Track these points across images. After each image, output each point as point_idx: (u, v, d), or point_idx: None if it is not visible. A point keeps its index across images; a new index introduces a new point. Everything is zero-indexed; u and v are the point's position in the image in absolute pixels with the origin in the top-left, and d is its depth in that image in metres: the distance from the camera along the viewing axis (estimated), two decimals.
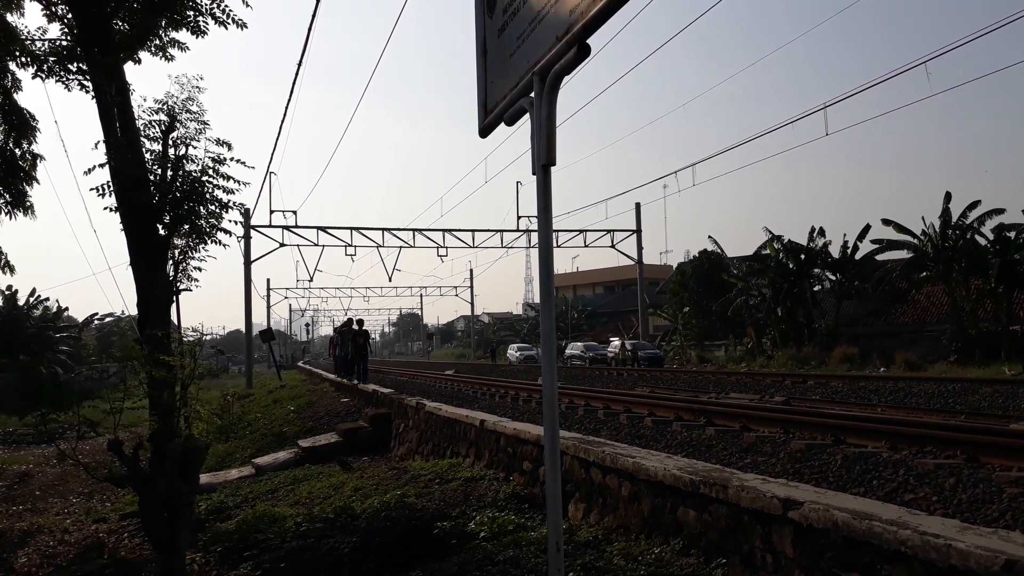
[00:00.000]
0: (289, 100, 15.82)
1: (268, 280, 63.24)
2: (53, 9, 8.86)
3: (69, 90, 9.25)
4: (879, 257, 33.11)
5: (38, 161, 11.12)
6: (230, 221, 8.55)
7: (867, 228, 32.76)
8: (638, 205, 40.66)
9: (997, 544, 2.99)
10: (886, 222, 30.66)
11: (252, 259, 37.06)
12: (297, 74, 14.94)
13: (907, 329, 32.52)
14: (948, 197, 28.89)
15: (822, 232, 34.34)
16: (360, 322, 21.96)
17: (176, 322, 9.07)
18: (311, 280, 42.20)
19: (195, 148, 8.06)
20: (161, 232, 8.04)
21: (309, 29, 12.32)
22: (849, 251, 33.50)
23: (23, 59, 9.42)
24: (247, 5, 9.31)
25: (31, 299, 47.54)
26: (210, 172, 8.06)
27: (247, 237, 35.91)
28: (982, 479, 5.22)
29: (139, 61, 9.41)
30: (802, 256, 34.27)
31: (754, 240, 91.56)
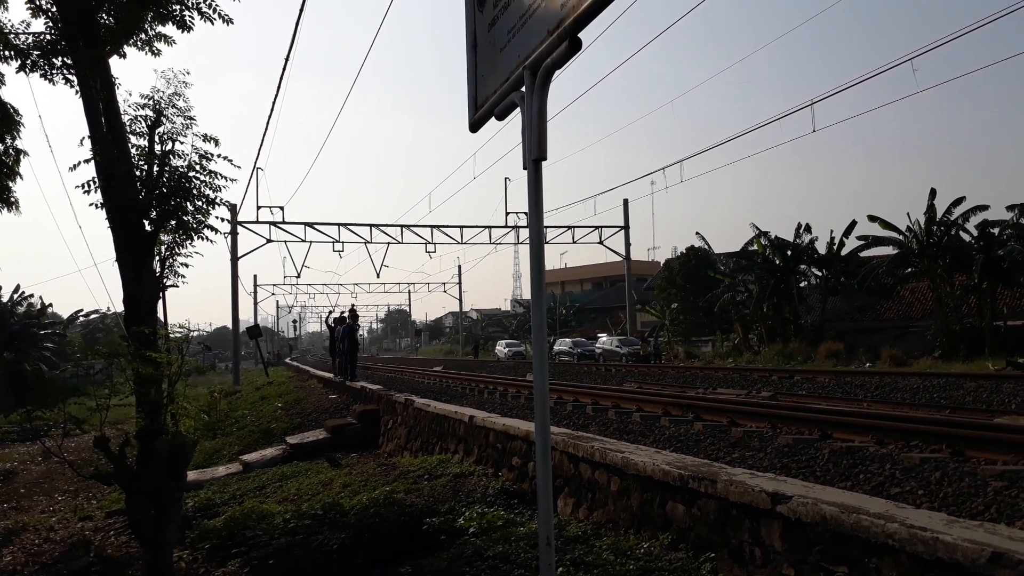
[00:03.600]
0: (276, 95, 15.80)
1: (255, 276, 62.76)
2: (37, 3, 8.76)
3: (54, 84, 9.17)
4: (865, 253, 33.33)
5: (22, 156, 11.01)
6: (217, 217, 8.49)
7: (853, 224, 33.00)
8: (626, 201, 40.79)
9: (983, 537, 3.02)
10: (872, 218, 30.88)
11: (239, 255, 36.84)
12: (284, 69, 14.83)
13: (892, 325, 32.77)
14: (933, 193, 29.12)
15: (808, 228, 34.58)
16: (356, 316, 20.88)
17: (163, 318, 9.02)
18: (298, 276, 41.96)
19: (181, 144, 8.00)
20: (147, 228, 7.97)
21: (297, 23, 12.24)
22: (835, 247, 33.71)
23: (7, 53, 9.31)
24: None
25: (15, 296, 47.15)
26: (196, 168, 8.01)
27: (234, 233, 35.68)
28: (968, 473, 5.26)
29: (124, 55, 9.33)
30: (788, 252, 34.45)
31: (741, 236, 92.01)
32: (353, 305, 22.09)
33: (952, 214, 28.70)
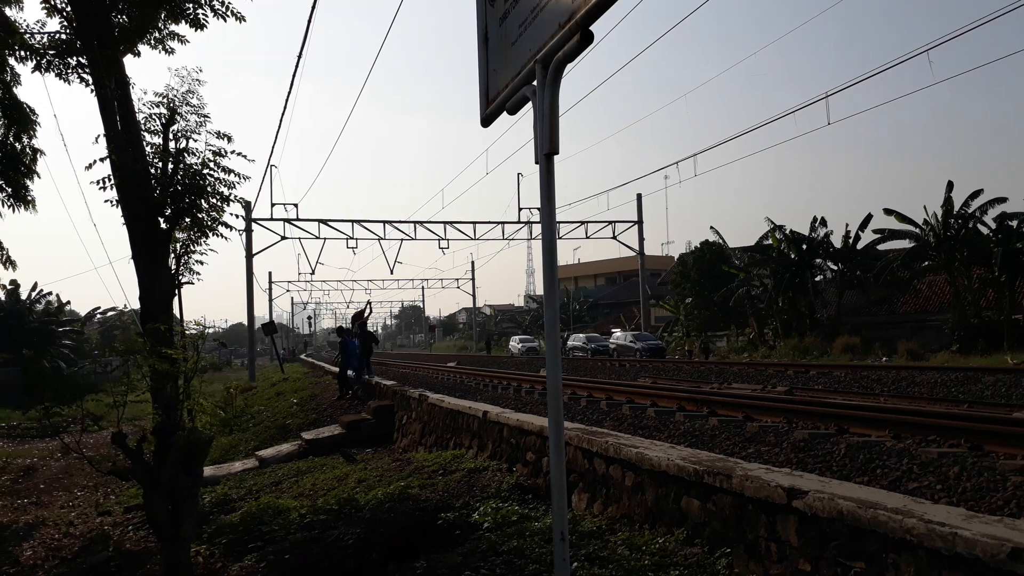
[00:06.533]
0: (289, 92, 15.86)
1: (270, 273, 63.31)
2: (52, 2, 8.82)
3: (69, 84, 9.23)
4: (881, 247, 33.07)
5: (38, 155, 11.10)
6: (231, 214, 8.52)
7: (869, 218, 32.79)
8: (639, 196, 40.66)
9: (1003, 532, 2.98)
10: (888, 211, 30.63)
11: (254, 252, 37.05)
12: (297, 66, 14.88)
13: (909, 318, 32.51)
14: (950, 186, 28.84)
15: (824, 222, 34.37)
16: (358, 317, 20.21)
17: (178, 315, 9.07)
18: (313, 273, 42.20)
19: (196, 141, 8.03)
20: (162, 225, 8.02)
21: (309, 21, 12.26)
22: (851, 241, 33.48)
23: (22, 53, 9.38)
24: None
25: (33, 294, 47.59)
26: (211, 165, 8.04)
27: (248, 230, 35.92)
28: (986, 467, 5.22)
29: (138, 54, 9.39)
30: (804, 246, 34.24)
31: (756, 230, 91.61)
32: (368, 302, 21.76)
33: (970, 207, 28.43)
